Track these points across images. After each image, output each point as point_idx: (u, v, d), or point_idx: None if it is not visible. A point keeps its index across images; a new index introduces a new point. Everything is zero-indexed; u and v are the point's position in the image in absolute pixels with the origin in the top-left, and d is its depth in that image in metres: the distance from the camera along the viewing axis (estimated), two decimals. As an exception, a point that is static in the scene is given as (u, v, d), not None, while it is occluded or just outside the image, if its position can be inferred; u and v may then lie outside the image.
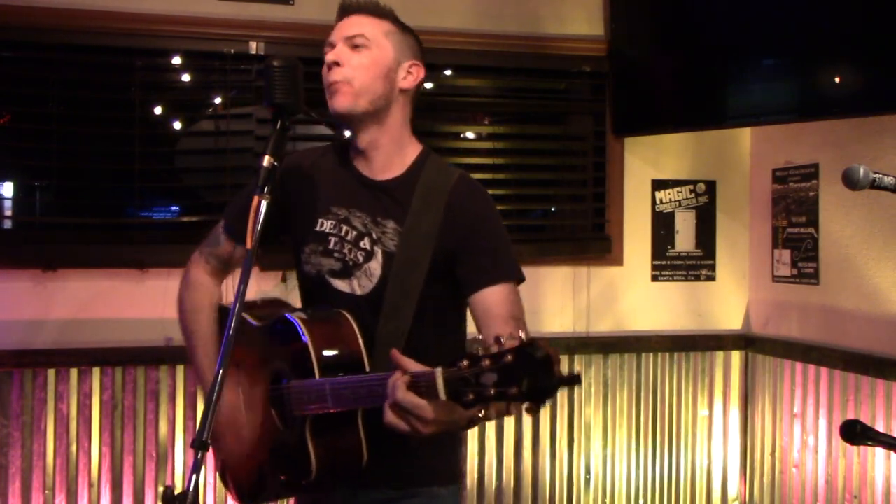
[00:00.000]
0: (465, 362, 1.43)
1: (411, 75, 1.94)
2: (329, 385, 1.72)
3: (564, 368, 3.54)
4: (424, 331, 1.84)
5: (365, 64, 1.86)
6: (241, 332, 1.88)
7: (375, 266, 1.87)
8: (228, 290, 2.80)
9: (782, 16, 3.18)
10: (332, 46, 1.90)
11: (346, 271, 1.90)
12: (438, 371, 1.48)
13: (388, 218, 1.89)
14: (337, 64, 1.86)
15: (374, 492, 1.91)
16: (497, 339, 1.42)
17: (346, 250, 1.90)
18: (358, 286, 1.89)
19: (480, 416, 1.52)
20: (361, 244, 1.89)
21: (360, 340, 1.79)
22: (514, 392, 1.37)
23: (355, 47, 1.87)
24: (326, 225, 1.93)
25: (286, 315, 1.84)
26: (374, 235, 1.88)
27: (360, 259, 1.89)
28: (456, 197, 1.88)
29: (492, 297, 1.83)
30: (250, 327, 1.97)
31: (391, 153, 1.93)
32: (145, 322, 3.14)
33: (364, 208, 1.91)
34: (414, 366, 1.55)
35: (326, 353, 1.77)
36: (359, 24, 1.90)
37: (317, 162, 2.00)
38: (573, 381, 1.38)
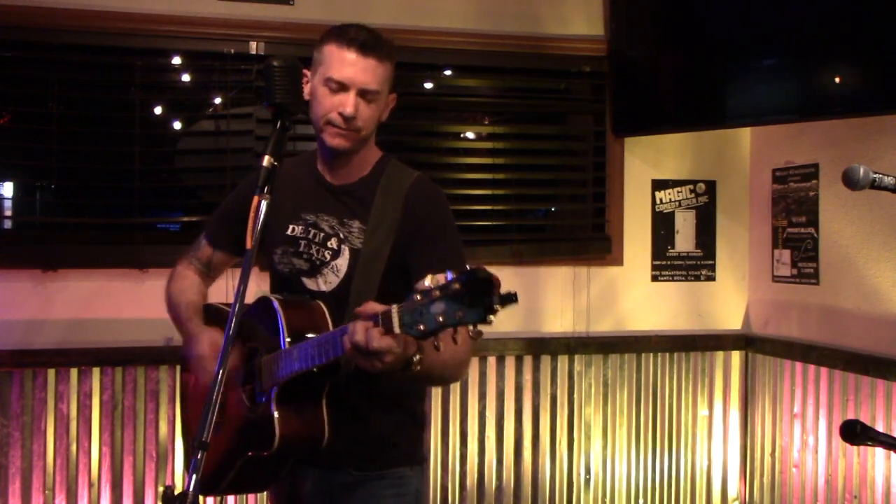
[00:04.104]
0: (418, 296, 1.50)
1: (388, 107, 2.04)
2: (296, 350, 1.81)
3: (564, 368, 3.57)
4: None
5: (374, 116, 1.97)
6: (221, 320, 1.97)
7: (342, 262, 1.97)
8: (229, 290, 2.82)
9: (782, 16, 3.18)
10: (344, 87, 1.91)
11: (314, 270, 2.00)
12: (395, 307, 1.55)
13: (353, 218, 1.99)
14: (354, 117, 1.91)
15: (342, 475, 1.99)
16: (447, 273, 1.49)
17: (313, 250, 2.01)
18: (324, 283, 1.99)
19: (416, 359, 1.64)
20: (329, 244, 1.99)
21: (330, 323, 1.89)
22: (459, 315, 1.45)
23: (369, 101, 1.93)
24: (297, 230, 2.04)
25: (263, 296, 1.96)
26: (342, 235, 1.99)
27: (328, 257, 1.99)
28: (412, 193, 1.99)
29: None
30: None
31: (357, 163, 2.03)
32: (145, 322, 3.14)
33: (331, 212, 2.02)
34: (376, 307, 1.62)
35: (297, 327, 1.87)
36: (374, 75, 1.92)
37: (287, 175, 2.04)
38: (510, 298, 1.43)
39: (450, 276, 1.47)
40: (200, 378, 2.08)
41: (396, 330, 1.54)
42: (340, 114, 1.91)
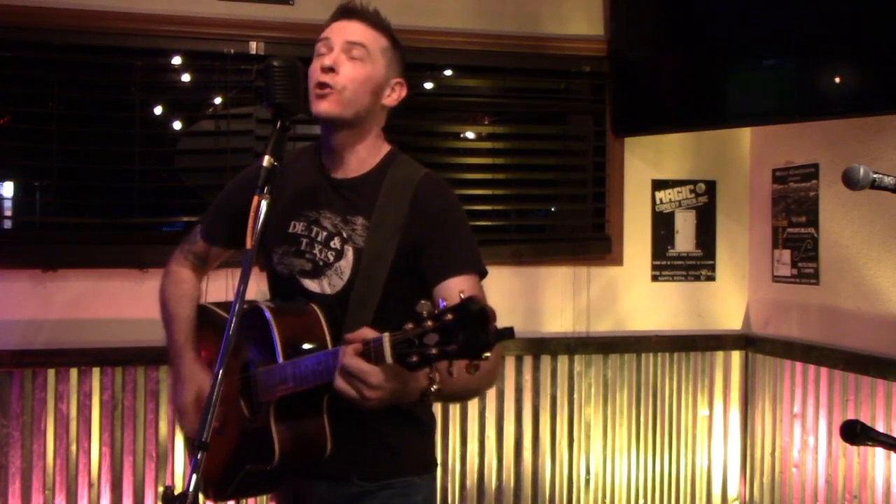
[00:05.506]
0: (411, 325, 1.46)
1: (395, 92, 1.98)
2: (291, 366, 1.76)
3: (564, 368, 3.57)
4: (386, 324, 1.83)
5: (359, 77, 1.88)
6: (216, 326, 1.94)
7: (346, 264, 1.91)
8: (229, 289, 2.82)
9: (782, 15, 3.18)
10: (329, 47, 1.89)
11: (317, 271, 1.93)
12: (386, 335, 1.51)
13: (357, 215, 1.92)
14: (332, 69, 1.86)
15: (347, 485, 1.93)
16: (440, 301, 1.45)
17: (316, 251, 1.94)
18: (328, 285, 1.92)
19: (433, 389, 1.54)
20: (332, 244, 1.93)
21: (326, 330, 1.83)
22: (452, 349, 1.41)
23: (353, 57, 1.88)
24: (298, 227, 1.97)
25: (256, 304, 1.88)
26: (345, 234, 1.92)
27: (331, 258, 1.92)
28: (421, 191, 1.92)
29: (457, 286, 1.81)
30: (223, 321, 1.98)
31: (362, 156, 1.97)
32: (145, 322, 3.11)
33: (334, 209, 1.95)
34: (368, 333, 1.58)
35: (291, 338, 1.81)
36: (360, 33, 1.90)
37: (290, 166, 2.00)
38: (506, 334, 1.40)
39: (442, 304, 1.43)
40: (181, 426, 2.06)
41: (388, 360, 1.50)
42: (321, 67, 1.86)
